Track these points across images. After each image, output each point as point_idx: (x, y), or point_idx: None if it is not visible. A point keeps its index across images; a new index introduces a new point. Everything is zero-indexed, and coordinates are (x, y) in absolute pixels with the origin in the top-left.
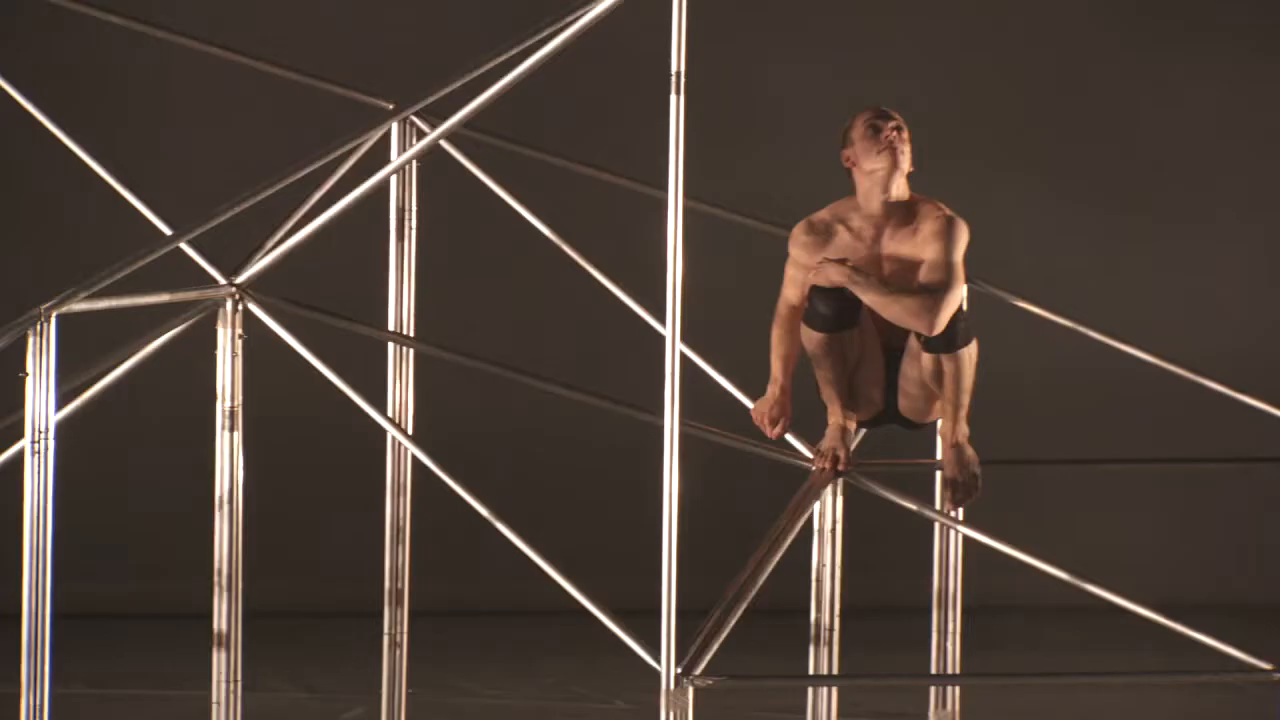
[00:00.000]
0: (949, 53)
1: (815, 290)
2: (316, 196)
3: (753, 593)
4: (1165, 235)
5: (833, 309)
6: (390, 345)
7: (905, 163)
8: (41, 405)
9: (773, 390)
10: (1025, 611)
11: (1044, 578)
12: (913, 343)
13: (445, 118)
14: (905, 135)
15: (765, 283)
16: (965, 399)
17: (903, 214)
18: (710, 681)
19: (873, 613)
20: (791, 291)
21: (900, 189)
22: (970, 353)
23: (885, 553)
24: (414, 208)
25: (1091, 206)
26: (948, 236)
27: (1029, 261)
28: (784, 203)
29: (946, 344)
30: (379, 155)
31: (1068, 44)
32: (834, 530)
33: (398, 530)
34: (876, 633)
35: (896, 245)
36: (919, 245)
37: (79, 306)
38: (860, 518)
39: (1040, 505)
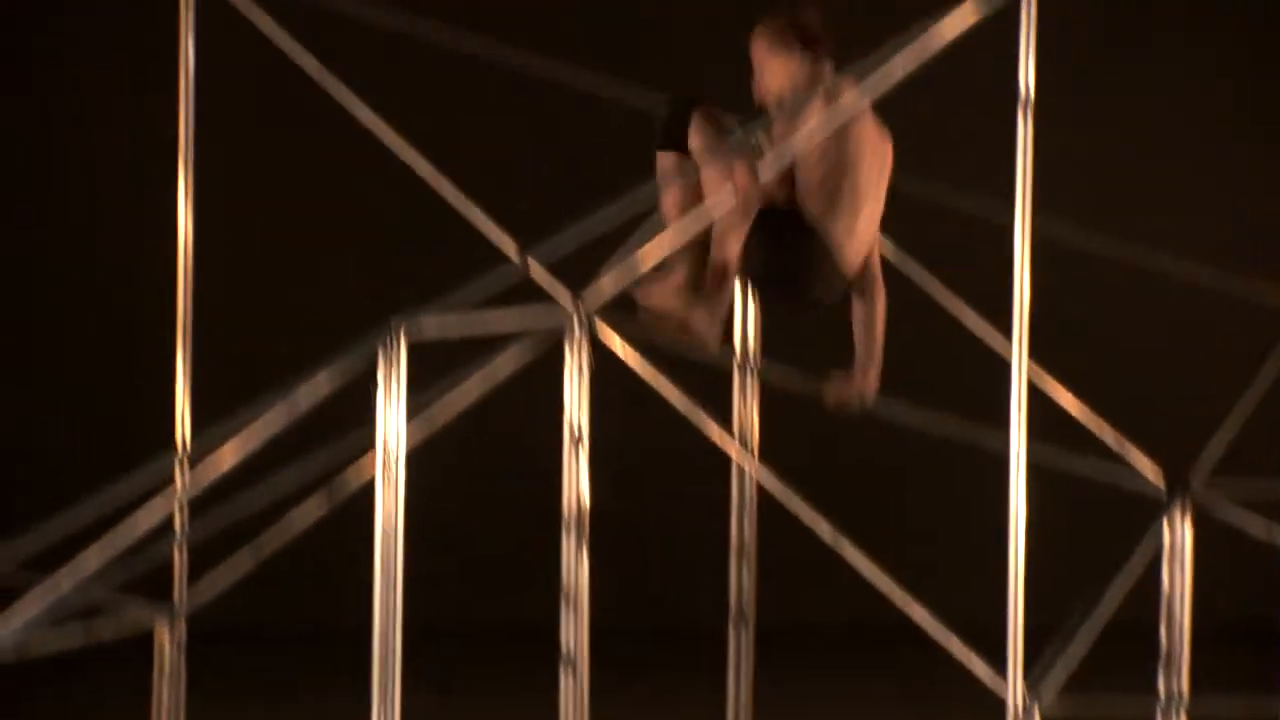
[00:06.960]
0: None
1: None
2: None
3: (1107, 616)
4: None
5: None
6: (735, 369)
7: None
8: (392, 427)
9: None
10: None
11: None
12: None
13: None
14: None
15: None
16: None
17: None
18: (1060, 707)
19: (1220, 634)
20: None
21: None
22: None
23: (1235, 573)
24: None
25: None
26: None
27: None
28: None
29: None
30: None
31: None
32: (1182, 555)
33: (742, 550)
34: (1222, 656)
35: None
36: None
37: (430, 334)
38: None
39: None
